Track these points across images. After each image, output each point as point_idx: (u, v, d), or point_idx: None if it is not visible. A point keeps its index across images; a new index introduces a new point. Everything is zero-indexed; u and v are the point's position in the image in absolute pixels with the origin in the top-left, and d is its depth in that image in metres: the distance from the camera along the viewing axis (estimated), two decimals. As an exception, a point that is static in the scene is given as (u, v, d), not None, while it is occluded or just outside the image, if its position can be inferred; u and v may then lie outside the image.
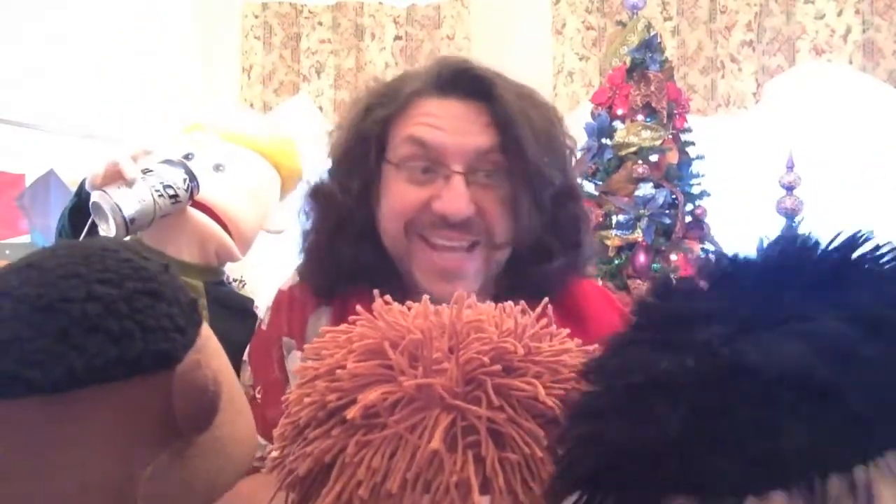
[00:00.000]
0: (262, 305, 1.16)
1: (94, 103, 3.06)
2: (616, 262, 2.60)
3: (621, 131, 2.67)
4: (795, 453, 0.39)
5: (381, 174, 0.96)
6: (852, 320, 0.42)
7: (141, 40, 3.27)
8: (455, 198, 0.90)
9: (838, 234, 0.48)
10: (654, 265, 2.57)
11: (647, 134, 2.64)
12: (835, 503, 0.39)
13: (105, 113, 3.05)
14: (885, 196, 2.92)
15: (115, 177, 1.01)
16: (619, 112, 2.69)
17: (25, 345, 0.44)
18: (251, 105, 3.54)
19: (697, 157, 2.73)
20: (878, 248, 0.47)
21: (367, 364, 0.53)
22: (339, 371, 0.53)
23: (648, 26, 2.76)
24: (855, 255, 0.47)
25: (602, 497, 0.45)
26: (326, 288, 0.99)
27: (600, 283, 2.40)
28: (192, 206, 1.09)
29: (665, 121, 2.67)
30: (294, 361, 1.00)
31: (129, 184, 1.00)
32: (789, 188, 2.65)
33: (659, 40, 2.76)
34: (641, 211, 2.57)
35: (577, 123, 2.73)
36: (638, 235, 2.58)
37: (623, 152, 2.65)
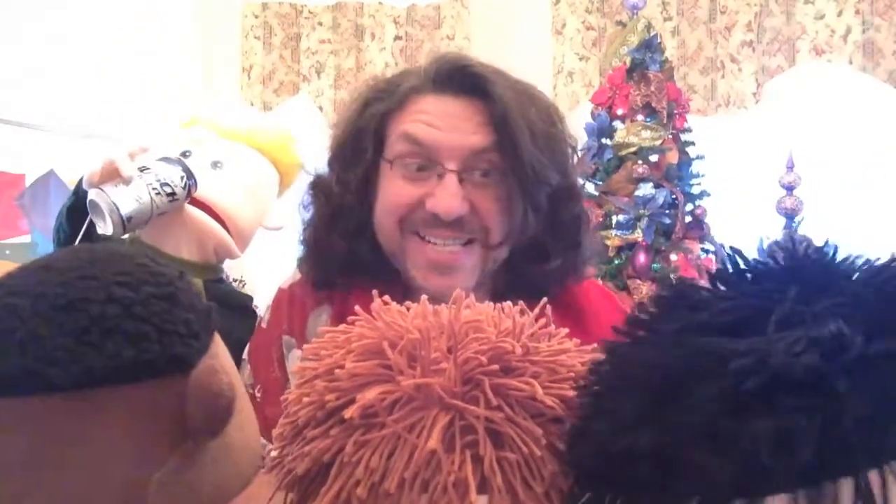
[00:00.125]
0: (262, 304, 1.16)
1: (94, 103, 3.06)
2: (616, 262, 2.60)
3: (621, 131, 2.67)
4: (806, 457, 0.38)
5: (377, 169, 0.96)
6: (859, 323, 0.41)
7: (141, 40, 3.27)
8: (447, 197, 0.90)
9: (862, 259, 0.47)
10: (654, 265, 2.57)
11: (647, 134, 2.64)
12: None
13: (105, 113, 3.05)
14: (885, 196, 2.92)
15: (112, 175, 1.02)
16: (619, 112, 2.69)
17: (45, 343, 0.44)
18: (251, 105, 3.54)
19: (697, 157, 2.73)
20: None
21: (365, 364, 0.53)
22: (337, 371, 0.53)
23: (648, 26, 2.76)
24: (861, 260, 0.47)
25: (612, 499, 0.45)
26: (324, 281, 0.99)
27: (600, 282, 2.41)
28: (190, 203, 1.09)
29: (665, 121, 2.67)
30: (294, 360, 1.00)
31: (126, 182, 1.00)
32: (789, 188, 2.65)
33: (659, 40, 2.76)
34: (641, 211, 2.58)
35: (577, 123, 2.73)
36: (638, 235, 2.58)
37: (623, 152, 2.65)
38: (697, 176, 2.71)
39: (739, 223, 2.85)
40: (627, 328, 0.52)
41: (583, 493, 0.47)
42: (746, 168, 2.99)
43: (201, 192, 1.09)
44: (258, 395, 0.98)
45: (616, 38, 2.87)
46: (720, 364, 0.41)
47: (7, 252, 2.87)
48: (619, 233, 2.61)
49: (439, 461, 0.47)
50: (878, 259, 0.47)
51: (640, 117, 2.67)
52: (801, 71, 3.04)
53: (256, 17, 3.58)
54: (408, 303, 0.60)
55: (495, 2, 3.43)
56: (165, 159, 1.06)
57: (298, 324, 1.01)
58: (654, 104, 2.65)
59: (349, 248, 0.96)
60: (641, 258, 2.57)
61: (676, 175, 2.66)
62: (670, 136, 2.69)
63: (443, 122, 0.91)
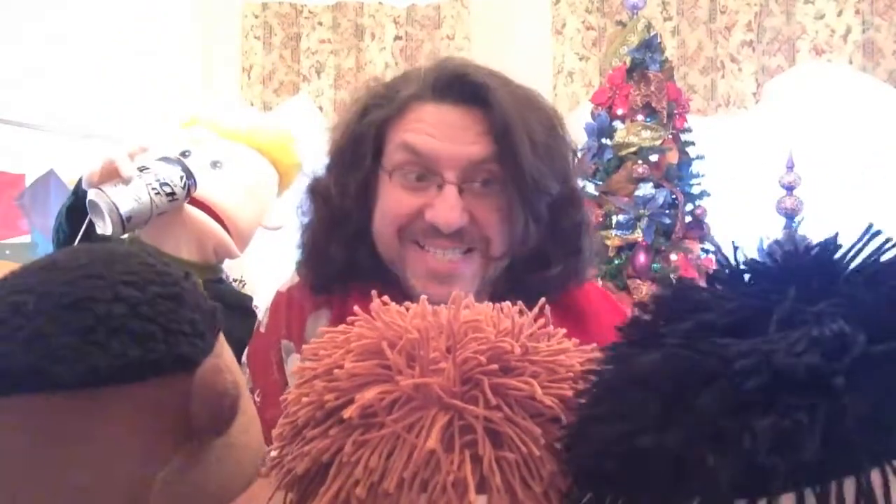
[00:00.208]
0: (262, 305, 1.16)
1: (94, 103, 3.06)
2: (616, 262, 2.60)
3: (621, 131, 2.67)
4: (809, 456, 0.38)
5: (376, 176, 0.95)
6: (860, 322, 0.41)
7: (141, 40, 3.27)
8: (446, 209, 0.89)
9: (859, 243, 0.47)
10: (654, 265, 2.58)
11: (647, 134, 2.64)
12: None
13: (105, 113, 3.05)
14: (885, 196, 2.92)
15: (111, 175, 1.01)
16: (619, 112, 2.69)
17: (50, 341, 0.44)
18: (251, 105, 3.54)
19: (697, 157, 2.74)
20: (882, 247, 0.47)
21: (364, 364, 0.53)
22: (336, 371, 0.53)
23: (648, 26, 2.77)
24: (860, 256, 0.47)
25: (613, 499, 0.45)
26: (322, 286, 0.99)
27: (600, 282, 2.41)
28: (189, 203, 1.09)
29: (665, 121, 2.67)
30: (293, 364, 1.00)
31: (126, 182, 1.00)
32: (789, 188, 2.65)
33: (659, 40, 2.76)
34: (641, 211, 2.58)
35: (577, 123, 2.73)
36: (638, 235, 2.58)
37: (623, 152, 2.65)
38: (697, 176, 2.71)
39: (739, 223, 2.86)
40: (629, 329, 0.52)
41: (583, 494, 0.47)
42: (746, 168, 2.99)
43: (201, 192, 1.09)
44: (257, 399, 0.98)
45: (616, 38, 2.87)
46: (723, 365, 0.41)
47: (7, 252, 2.87)
48: (619, 233, 2.61)
49: (438, 461, 0.47)
50: (879, 256, 0.47)
51: (640, 117, 2.67)
52: (801, 71, 3.04)
53: (256, 17, 3.59)
54: (407, 303, 0.60)
55: (495, 2, 3.43)
56: (165, 159, 1.06)
57: (297, 328, 1.00)
58: (654, 104, 2.65)
59: (348, 255, 0.95)
60: (641, 258, 2.57)
61: (676, 175, 2.67)
62: (670, 136, 2.69)
63: (442, 132, 0.90)
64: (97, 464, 0.46)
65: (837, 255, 0.47)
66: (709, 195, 2.71)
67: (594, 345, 0.57)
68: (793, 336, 0.41)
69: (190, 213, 1.09)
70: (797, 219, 2.65)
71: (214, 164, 1.15)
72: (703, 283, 0.51)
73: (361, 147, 0.94)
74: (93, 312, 0.45)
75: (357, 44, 3.53)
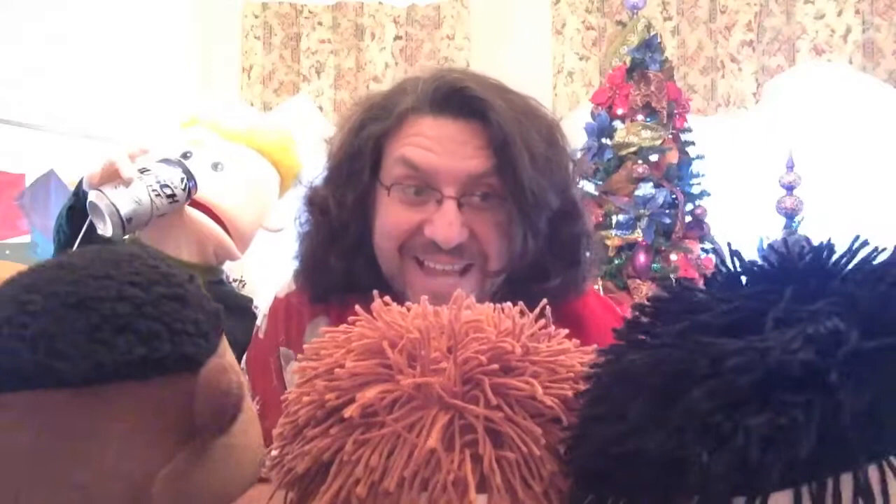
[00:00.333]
0: (262, 306, 1.16)
1: (94, 103, 3.06)
2: (616, 262, 2.60)
3: (621, 131, 2.68)
4: (805, 452, 0.38)
5: (374, 190, 0.94)
6: (854, 320, 0.41)
7: (141, 40, 3.27)
8: (445, 225, 0.88)
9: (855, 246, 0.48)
10: (654, 265, 2.58)
11: (647, 134, 2.64)
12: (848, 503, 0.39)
13: (105, 113, 3.05)
14: (885, 196, 2.92)
15: (112, 176, 1.01)
16: (619, 112, 2.70)
17: (56, 338, 0.45)
18: (251, 105, 3.54)
19: (697, 157, 2.74)
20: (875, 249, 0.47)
21: (365, 363, 0.53)
22: (337, 370, 0.53)
23: (648, 26, 2.77)
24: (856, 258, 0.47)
25: (614, 500, 0.45)
26: (320, 297, 0.98)
27: (600, 282, 2.42)
28: (190, 205, 1.09)
29: (665, 121, 2.67)
30: (292, 372, 1.00)
31: (126, 183, 1.00)
32: (789, 188, 2.66)
33: (659, 40, 2.76)
34: (641, 211, 2.58)
35: (577, 123, 2.74)
36: (638, 235, 2.59)
37: (623, 152, 2.66)
38: (697, 176, 2.72)
39: (739, 223, 2.86)
40: (627, 331, 0.52)
41: (584, 495, 0.47)
42: (746, 168, 2.99)
43: (202, 194, 1.09)
44: (256, 406, 0.98)
45: (616, 37, 2.87)
46: (716, 363, 0.41)
47: (7, 252, 2.87)
48: (619, 233, 2.61)
49: (439, 460, 0.47)
50: (874, 256, 0.47)
51: (640, 117, 2.67)
52: (801, 71, 3.04)
53: (256, 17, 3.59)
54: (408, 303, 0.60)
55: (495, 2, 3.43)
56: (165, 161, 1.06)
57: (296, 335, 1.00)
58: (654, 104, 2.66)
59: (346, 266, 0.94)
60: (641, 258, 2.58)
61: (676, 175, 2.67)
62: (670, 136, 2.70)
63: (440, 147, 0.89)
64: (101, 460, 0.47)
65: (834, 257, 0.48)
66: (709, 195, 2.71)
67: (594, 345, 0.57)
68: (788, 334, 0.41)
69: (190, 215, 1.09)
70: (797, 219, 2.65)
71: (215, 166, 1.15)
72: (701, 285, 0.51)
73: (359, 161, 0.93)
74: (98, 311, 0.46)
75: (357, 44, 3.53)
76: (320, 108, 3.53)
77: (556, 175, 0.93)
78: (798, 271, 0.47)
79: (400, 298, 0.93)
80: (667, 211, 2.60)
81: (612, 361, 0.51)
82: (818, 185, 2.80)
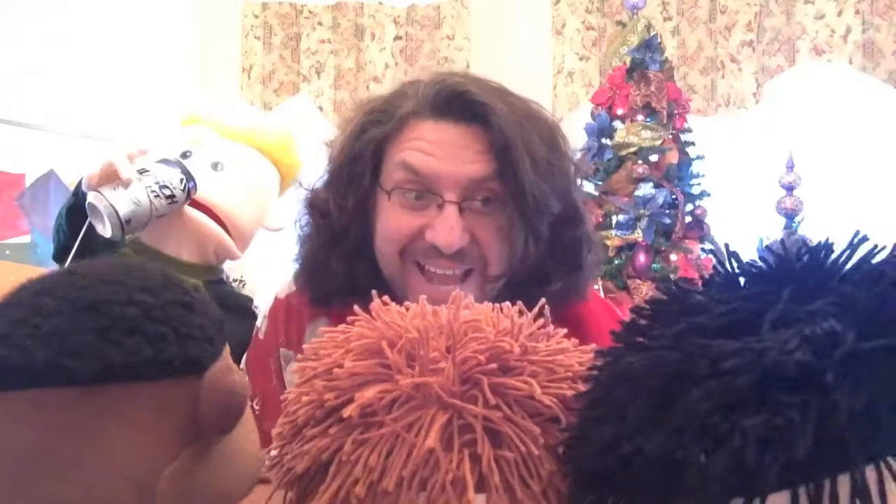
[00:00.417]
0: (262, 305, 1.16)
1: (94, 103, 3.06)
2: (616, 262, 2.60)
3: (621, 131, 2.68)
4: (802, 453, 0.38)
5: (375, 194, 0.94)
6: (852, 321, 0.41)
7: (141, 40, 3.27)
8: (446, 230, 0.88)
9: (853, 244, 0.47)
10: (654, 265, 2.58)
11: (647, 134, 2.64)
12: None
13: (105, 113, 3.05)
14: (885, 196, 2.92)
15: (111, 177, 1.01)
16: (619, 112, 2.70)
17: (66, 338, 0.47)
18: (251, 105, 3.54)
19: (697, 157, 2.74)
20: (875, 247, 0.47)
21: (364, 363, 0.53)
22: (336, 370, 0.53)
23: (648, 26, 2.77)
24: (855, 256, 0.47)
25: (614, 501, 0.45)
26: (320, 299, 0.98)
27: (600, 283, 2.42)
28: (190, 204, 1.09)
29: (665, 121, 2.67)
30: (292, 373, 1.00)
31: (125, 184, 1.00)
32: (789, 188, 2.66)
33: (659, 40, 2.77)
34: (641, 211, 2.58)
35: (577, 124, 2.74)
36: (638, 235, 2.59)
37: (623, 152, 2.66)
38: (697, 176, 2.72)
39: (739, 223, 2.86)
40: (625, 334, 0.52)
41: (584, 496, 0.47)
42: (746, 168, 2.99)
43: (201, 194, 1.09)
44: (256, 407, 0.97)
45: (616, 38, 2.87)
46: (712, 364, 0.41)
47: (7, 252, 2.87)
48: (619, 233, 2.61)
49: (437, 460, 0.47)
50: (873, 255, 0.47)
51: (640, 117, 2.67)
52: (801, 71, 3.05)
53: (256, 17, 3.59)
54: (407, 303, 0.60)
55: (495, 2, 3.43)
56: (165, 161, 1.06)
57: (296, 336, 1.00)
58: (654, 104, 2.66)
59: (347, 269, 0.94)
60: (641, 258, 2.58)
61: (676, 175, 2.67)
62: (670, 136, 2.70)
63: (441, 151, 0.89)
64: (107, 457, 0.48)
65: (832, 257, 0.47)
66: (709, 195, 2.71)
67: (593, 345, 0.57)
68: (784, 335, 0.41)
69: (190, 215, 1.09)
70: (797, 219, 2.66)
71: (215, 166, 1.14)
72: (700, 286, 0.51)
73: (360, 165, 0.93)
74: (108, 314, 0.48)
75: (357, 44, 3.53)
76: (320, 109, 3.53)
77: (558, 179, 0.92)
78: (796, 271, 0.47)
79: (400, 302, 0.93)
80: (667, 211, 2.61)
81: (611, 363, 0.51)
82: (818, 185, 2.80)
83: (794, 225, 2.65)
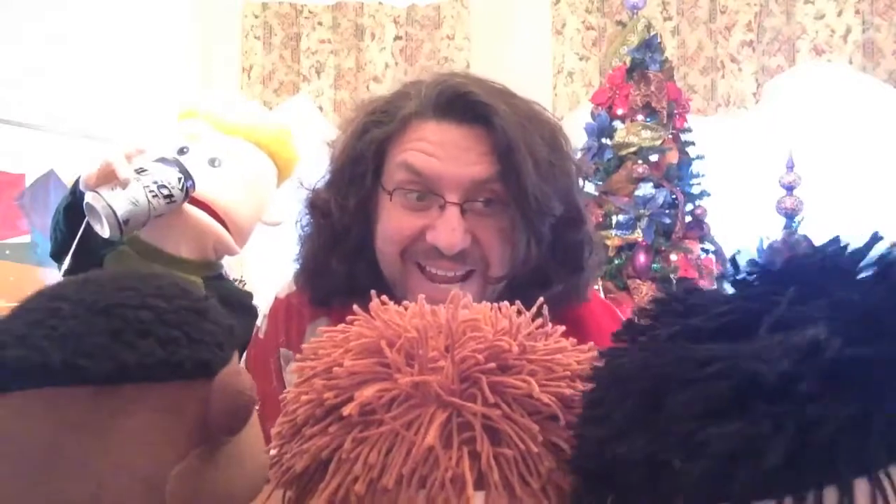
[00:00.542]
0: (262, 305, 1.16)
1: (94, 103, 3.06)
2: (616, 262, 2.60)
3: (621, 131, 2.68)
4: (775, 463, 0.37)
5: (376, 194, 0.94)
6: (847, 326, 0.40)
7: (141, 40, 3.27)
8: (448, 231, 0.88)
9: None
10: (654, 265, 2.58)
11: (647, 134, 2.64)
12: None
13: (105, 113, 3.05)
14: (885, 196, 2.92)
15: (108, 177, 1.00)
16: (619, 112, 2.70)
17: (81, 339, 0.48)
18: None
19: (697, 157, 2.74)
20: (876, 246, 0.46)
21: (364, 362, 0.53)
22: (336, 369, 0.53)
23: (648, 26, 2.77)
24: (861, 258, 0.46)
25: (614, 499, 0.45)
26: (321, 300, 0.98)
27: (600, 283, 2.42)
28: (189, 202, 1.08)
29: (665, 121, 2.67)
30: (291, 374, 1.00)
31: (123, 185, 0.99)
32: (789, 188, 2.66)
33: (659, 40, 2.76)
34: (641, 211, 2.58)
35: (577, 123, 2.74)
36: (638, 235, 2.59)
37: (623, 152, 2.66)
38: (697, 176, 2.72)
39: (739, 223, 2.86)
40: (624, 333, 0.52)
41: (585, 494, 0.48)
42: (746, 168, 2.99)
43: (200, 191, 1.09)
44: (256, 407, 0.97)
45: (616, 38, 2.87)
46: (697, 369, 0.41)
47: (7, 252, 2.87)
48: (619, 233, 2.61)
49: (437, 457, 0.48)
50: (888, 256, 0.46)
51: (640, 117, 2.67)
52: (801, 71, 3.04)
53: (256, 17, 3.59)
54: (405, 303, 0.60)
55: (495, 2, 3.43)
56: (162, 160, 1.05)
57: (296, 336, 1.00)
58: (654, 104, 2.66)
59: (348, 270, 0.94)
60: (641, 258, 2.58)
61: (676, 175, 2.67)
62: (670, 136, 2.70)
63: (443, 152, 0.89)
64: (117, 456, 0.49)
65: (844, 256, 0.46)
66: (709, 195, 2.71)
67: (591, 344, 0.57)
68: (771, 340, 0.40)
69: (189, 213, 1.09)
70: (797, 219, 2.65)
71: (212, 162, 1.14)
72: (709, 284, 0.51)
73: (361, 165, 0.93)
74: (122, 317, 0.50)
75: (357, 44, 3.53)
76: (320, 109, 3.53)
77: (560, 181, 0.92)
78: (805, 270, 0.46)
79: (400, 302, 0.93)
80: (667, 211, 2.60)
81: (608, 363, 0.51)
82: (818, 185, 2.80)
83: (794, 225, 2.65)
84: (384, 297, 0.61)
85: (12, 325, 0.50)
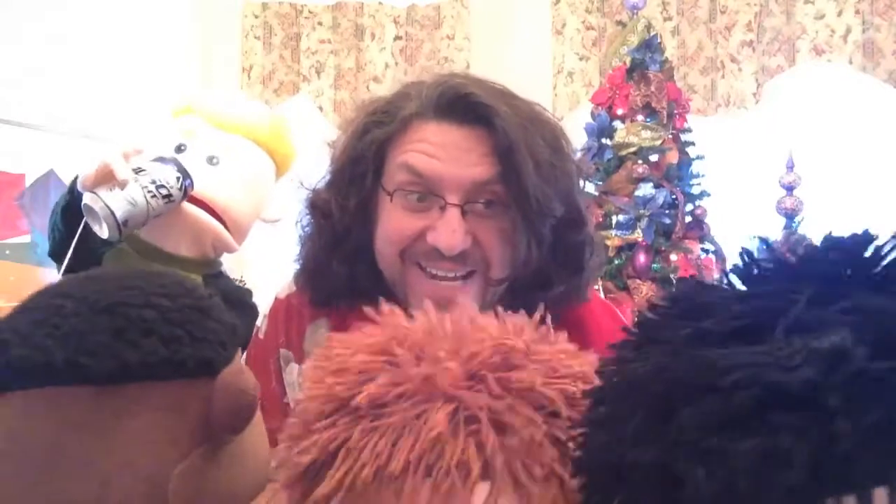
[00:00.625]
0: (262, 304, 1.15)
1: (94, 103, 3.06)
2: (616, 262, 2.60)
3: (621, 131, 2.68)
4: (797, 478, 0.36)
5: (376, 195, 0.94)
6: (868, 331, 0.39)
7: (141, 40, 3.27)
8: (448, 232, 0.88)
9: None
10: (654, 265, 2.58)
11: (647, 134, 2.64)
12: None
13: (105, 113, 3.05)
14: (885, 196, 2.92)
15: (106, 178, 1.00)
16: (619, 112, 2.70)
17: (84, 337, 0.48)
18: (251, 105, 3.54)
19: (697, 157, 2.74)
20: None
21: (373, 359, 0.54)
22: (346, 367, 0.54)
23: (648, 26, 2.77)
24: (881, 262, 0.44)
25: (622, 500, 0.44)
26: (321, 300, 0.98)
27: (600, 283, 2.42)
28: (187, 200, 1.08)
29: (665, 121, 2.67)
30: (292, 374, 1.00)
31: (121, 185, 0.99)
32: (789, 188, 2.66)
33: (659, 40, 2.77)
34: (641, 211, 2.58)
35: (577, 123, 2.74)
36: (638, 235, 2.59)
37: (623, 152, 2.66)
38: (697, 176, 2.72)
39: (739, 223, 2.86)
40: (634, 334, 0.50)
41: (592, 494, 0.47)
42: (746, 168, 2.99)
43: (198, 190, 1.08)
44: None
45: (616, 38, 2.87)
46: (715, 377, 0.39)
47: (7, 252, 2.87)
48: (619, 233, 2.61)
49: (443, 446, 0.48)
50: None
51: (640, 117, 2.67)
52: (801, 71, 3.04)
53: (256, 17, 3.59)
54: (411, 311, 0.61)
55: (495, 2, 3.43)
56: (161, 159, 1.05)
57: (296, 336, 1.00)
58: (654, 104, 2.66)
59: (348, 271, 0.94)
60: (641, 258, 2.58)
61: (676, 175, 2.67)
62: (670, 136, 2.70)
63: (444, 153, 0.89)
64: (120, 454, 0.49)
65: (866, 254, 0.45)
66: (709, 195, 2.71)
67: (592, 351, 0.57)
68: (791, 347, 0.39)
69: (187, 211, 1.09)
70: (797, 219, 2.66)
71: (210, 160, 1.13)
72: (721, 280, 0.49)
73: (362, 165, 0.93)
74: (125, 316, 0.50)
75: (357, 44, 3.53)
76: (320, 109, 3.53)
77: (561, 182, 0.92)
78: (823, 268, 0.44)
79: (401, 304, 0.93)
80: (667, 211, 2.60)
81: (618, 365, 0.50)
82: (818, 185, 2.80)
83: (794, 225, 2.65)
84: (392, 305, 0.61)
85: (15, 324, 0.50)
